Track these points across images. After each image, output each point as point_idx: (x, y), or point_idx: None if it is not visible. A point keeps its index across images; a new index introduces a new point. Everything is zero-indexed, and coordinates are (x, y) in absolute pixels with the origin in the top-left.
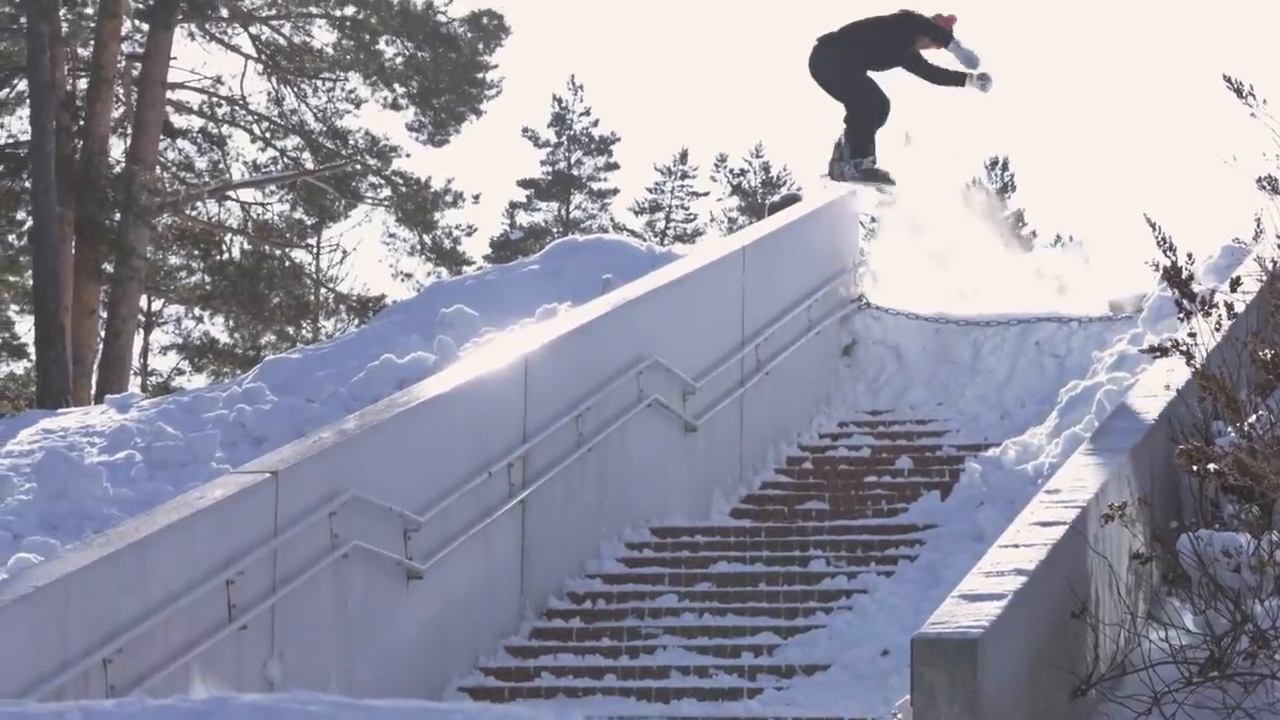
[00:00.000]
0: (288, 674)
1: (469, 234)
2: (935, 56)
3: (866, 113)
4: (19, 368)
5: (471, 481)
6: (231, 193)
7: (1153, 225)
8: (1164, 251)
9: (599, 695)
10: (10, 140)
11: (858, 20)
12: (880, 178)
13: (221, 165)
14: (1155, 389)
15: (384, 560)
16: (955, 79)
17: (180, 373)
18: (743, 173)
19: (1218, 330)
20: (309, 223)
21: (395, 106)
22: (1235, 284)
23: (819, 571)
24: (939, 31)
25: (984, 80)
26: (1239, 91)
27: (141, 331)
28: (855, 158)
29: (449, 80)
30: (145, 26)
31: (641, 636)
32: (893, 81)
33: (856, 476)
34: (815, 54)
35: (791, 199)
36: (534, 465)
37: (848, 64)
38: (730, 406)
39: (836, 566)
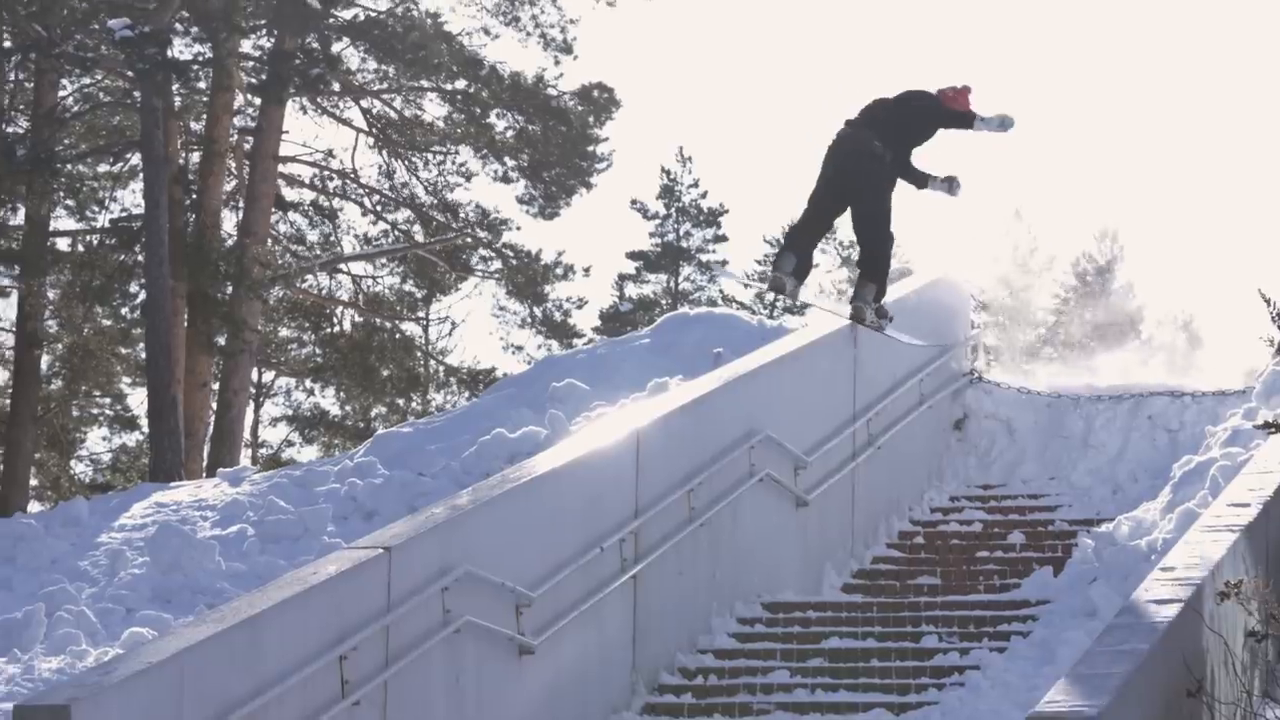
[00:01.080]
0: None
1: (579, 306)
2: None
3: (887, 250)
4: (130, 440)
5: (583, 557)
6: (342, 265)
7: (1267, 300)
8: (1279, 325)
9: None
10: (124, 214)
11: (881, 106)
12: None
13: (332, 238)
14: (1270, 464)
15: (496, 636)
16: (920, 180)
17: (290, 444)
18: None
19: None
20: (419, 295)
21: (506, 179)
22: None
23: (931, 647)
24: (963, 118)
25: (951, 184)
26: None
27: (252, 403)
28: (879, 306)
29: (559, 153)
30: (257, 100)
31: (754, 712)
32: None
33: (968, 551)
34: (851, 142)
35: (903, 273)
36: (646, 540)
37: (882, 175)
38: (842, 481)
39: (949, 642)
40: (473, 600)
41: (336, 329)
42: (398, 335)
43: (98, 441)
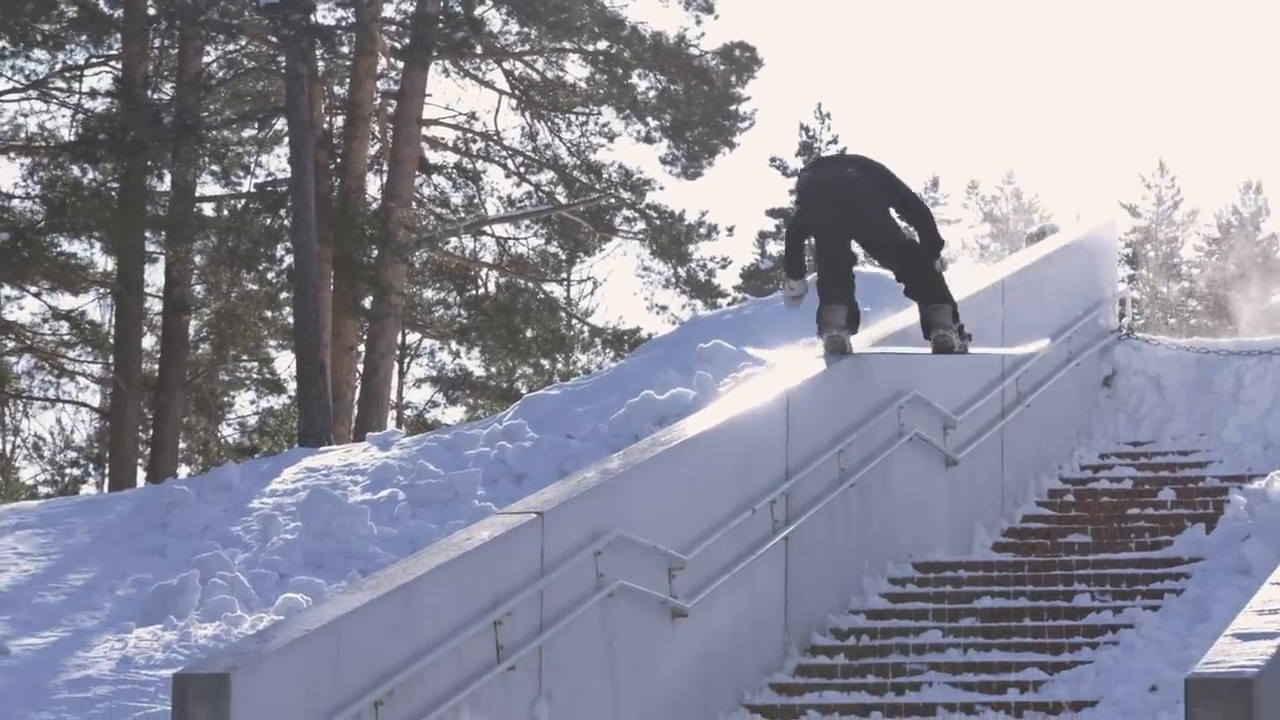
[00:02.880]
0: (555, 714)
1: (723, 266)
2: None
3: (928, 259)
4: (277, 403)
5: (735, 519)
6: (486, 227)
7: None
8: None
9: None
10: (269, 178)
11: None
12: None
13: (476, 200)
14: None
15: (649, 599)
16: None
17: (434, 405)
18: (994, 199)
19: None
20: (562, 256)
21: (648, 140)
22: None
23: (1084, 606)
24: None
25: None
26: None
27: (397, 366)
28: (960, 326)
29: (702, 113)
30: (400, 64)
31: (906, 673)
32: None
33: (1119, 509)
34: (832, 180)
35: (1049, 230)
36: (796, 501)
37: (872, 194)
38: (991, 439)
39: (1101, 601)
40: (625, 564)
41: (480, 291)
42: (541, 296)
43: (245, 405)
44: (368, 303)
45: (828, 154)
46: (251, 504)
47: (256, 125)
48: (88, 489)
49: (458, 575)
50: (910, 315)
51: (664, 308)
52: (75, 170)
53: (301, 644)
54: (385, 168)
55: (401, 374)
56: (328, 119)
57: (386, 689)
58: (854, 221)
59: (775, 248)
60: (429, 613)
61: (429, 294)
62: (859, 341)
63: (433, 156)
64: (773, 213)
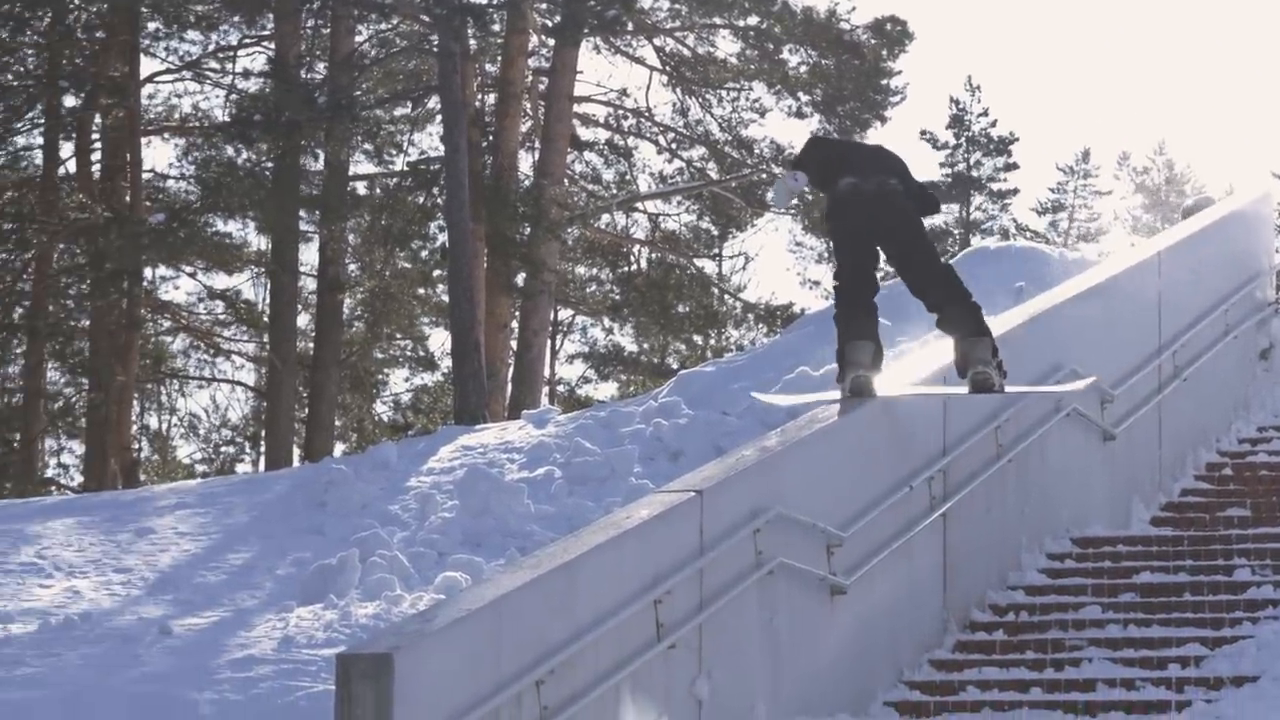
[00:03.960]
0: (715, 692)
1: None
2: None
3: (965, 288)
4: (431, 380)
5: (893, 495)
6: (638, 204)
7: None
8: None
9: (1025, 709)
10: (422, 156)
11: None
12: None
13: (628, 177)
14: None
15: (808, 577)
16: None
17: (587, 381)
18: (1145, 170)
19: None
20: (714, 232)
21: (800, 114)
22: None
23: (1244, 580)
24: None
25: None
26: None
27: (549, 341)
28: (999, 361)
29: (853, 87)
30: (552, 42)
31: (1066, 649)
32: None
33: (1278, 482)
34: (873, 189)
35: (1204, 203)
36: (954, 477)
37: (911, 210)
38: (1148, 413)
39: (1262, 575)
40: (784, 542)
41: (633, 267)
42: (693, 272)
43: (399, 383)
44: (521, 280)
45: (843, 141)
46: (409, 482)
47: (409, 104)
48: (243, 467)
49: (617, 554)
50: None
51: (816, 283)
52: (230, 150)
53: (463, 623)
54: (537, 145)
55: (554, 350)
56: (480, 97)
57: (547, 668)
58: (895, 240)
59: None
60: (589, 592)
61: (581, 270)
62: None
63: (584, 133)
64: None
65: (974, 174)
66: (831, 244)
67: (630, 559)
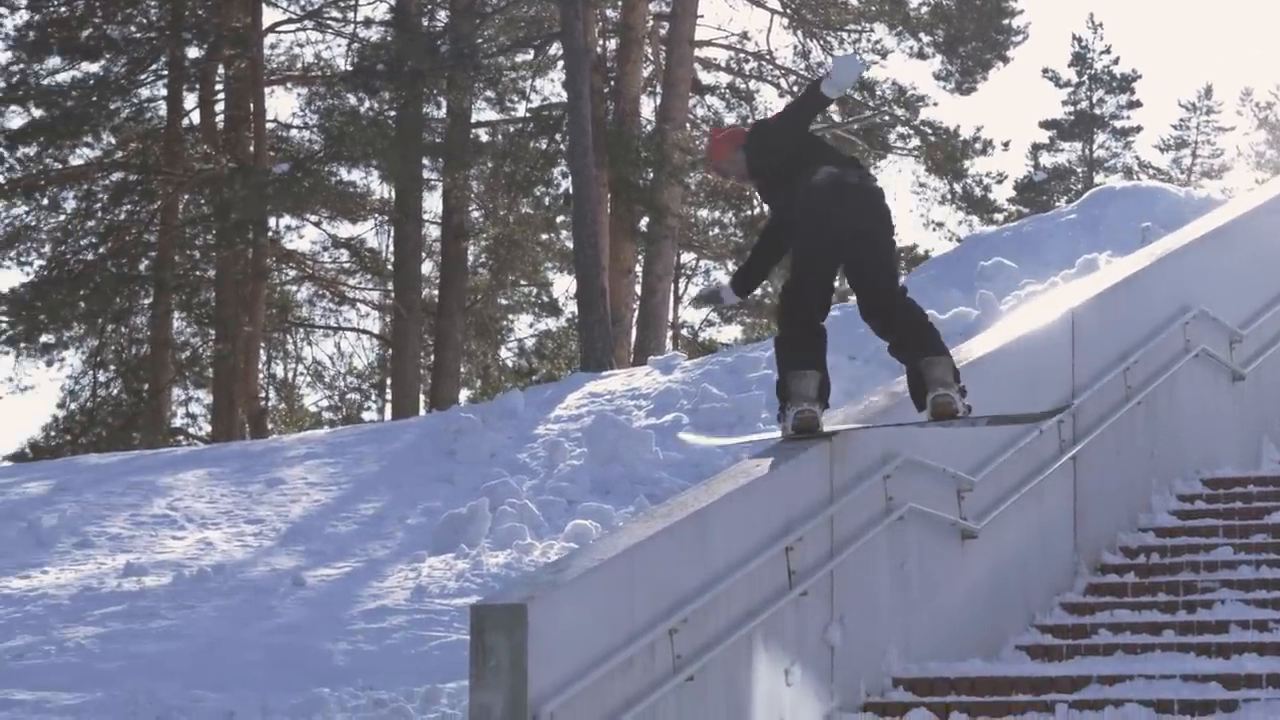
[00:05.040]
0: (847, 638)
1: (998, 181)
2: None
3: (919, 307)
4: (555, 326)
5: (1022, 439)
6: None
7: None
8: None
9: (1157, 651)
10: (544, 103)
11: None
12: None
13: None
14: None
15: (938, 521)
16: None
17: (710, 325)
18: (1269, 106)
19: None
20: None
21: (921, 56)
22: None
23: None
24: (805, 101)
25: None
26: None
27: (672, 284)
28: (962, 386)
29: (975, 27)
30: None
31: (1198, 590)
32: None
33: None
34: (850, 189)
35: None
36: (1083, 420)
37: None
38: (1277, 353)
39: None
40: (914, 487)
41: (755, 210)
42: None
43: (524, 328)
44: (644, 225)
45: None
46: (537, 430)
47: (531, 51)
48: (369, 415)
49: (748, 502)
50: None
51: (940, 224)
52: (353, 99)
53: (596, 573)
54: (659, 90)
55: (676, 294)
56: (601, 43)
57: (680, 617)
58: (870, 247)
59: (1049, 159)
60: (721, 540)
61: (704, 214)
62: (832, 417)
63: (705, 77)
64: (1046, 124)
65: (1096, 112)
66: (794, 249)
67: (761, 507)
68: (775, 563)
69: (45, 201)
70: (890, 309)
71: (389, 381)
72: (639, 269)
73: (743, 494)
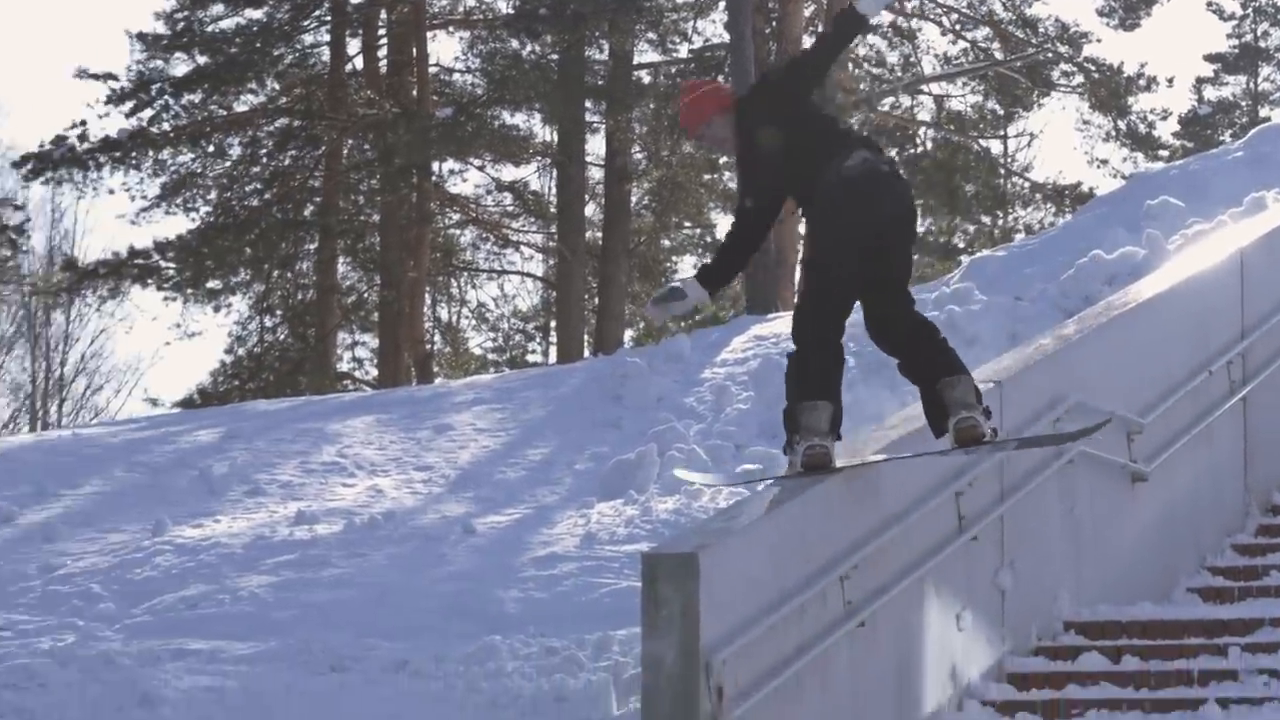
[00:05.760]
0: (1018, 583)
1: (1163, 117)
2: None
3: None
4: None
5: (1191, 381)
6: (923, 86)
7: None
8: None
9: None
10: (705, 44)
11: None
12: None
13: (912, 59)
14: None
15: (1108, 465)
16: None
17: None
18: None
19: None
20: (1000, 113)
21: None
22: None
23: None
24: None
25: None
26: None
27: None
28: (987, 407)
29: None
30: None
31: None
32: None
33: None
34: (888, 180)
35: None
36: (1253, 361)
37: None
38: None
39: None
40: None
41: (919, 149)
42: (979, 152)
43: (687, 270)
44: None
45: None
46: (703, 374)
47: None
48: (534, 358)
49: (919, 447)
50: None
51: (1104, 161)
52: (515, 43)
53: (767, 520)
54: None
55: None
56: None
57: (851, 563)
58: (901, 248)
59: (1213, 93)
60: (893, 485)
61: None
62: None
63: None
64: (1211, 58)
65: (1261, 45)
66: (819, 251)
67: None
68: (945, 508)
69: (211, 148)
70: (903, 322)
71: (553, 324)
72: (801, 210)
73: (915, 439)
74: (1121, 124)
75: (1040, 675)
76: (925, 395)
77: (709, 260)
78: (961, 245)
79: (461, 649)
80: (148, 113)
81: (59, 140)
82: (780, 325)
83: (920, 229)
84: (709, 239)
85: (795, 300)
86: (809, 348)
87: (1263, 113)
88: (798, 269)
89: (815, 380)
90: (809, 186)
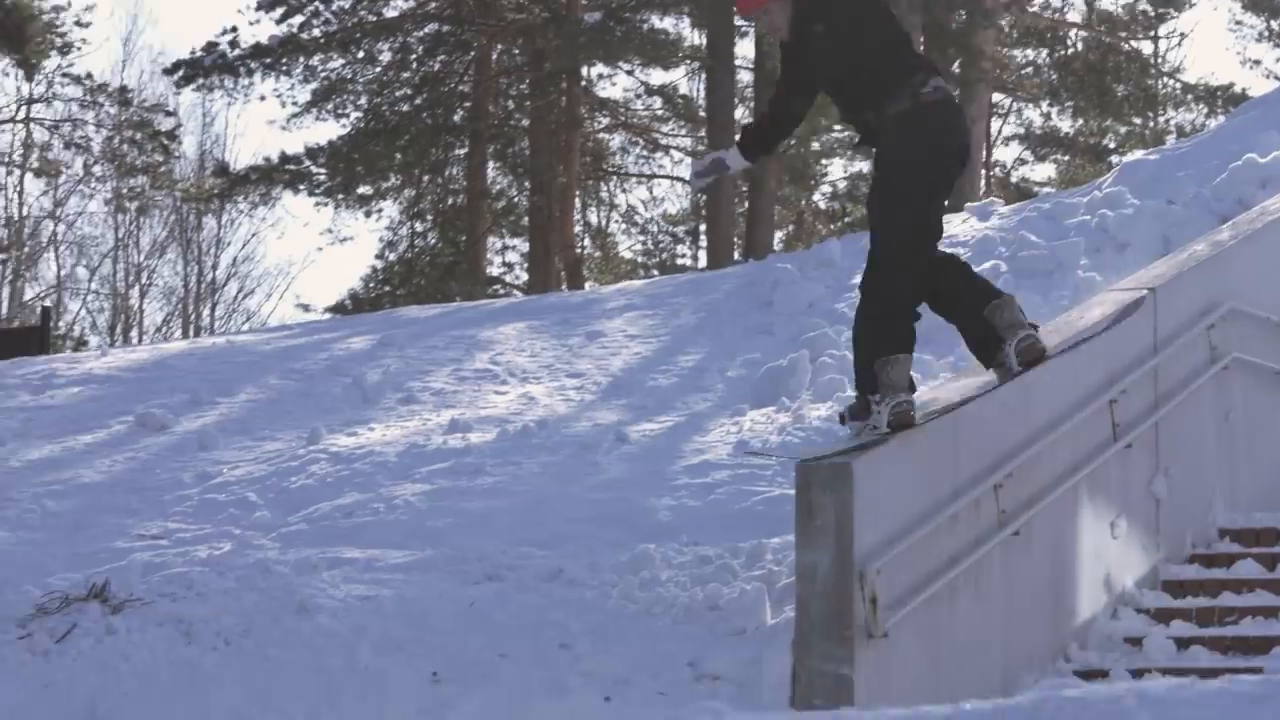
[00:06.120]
0: (1172, 490)
1: None
2: None
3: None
4: (868, 168)
5: None
6: None
7: None
8: None
9: None
10: None
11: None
12: None
13: None
14: None
15: (1264, 371)
16: None
17: (1023, 163)
18: None
19: None
20: (1151, 13)
21: None
22: None
23: None
24: None
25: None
26: None
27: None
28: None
29: None
30: None
31: None
32: None
33: None
34: (959, 109)
35: None
36: None
37: None
38: None
39: None
40: (1238, 336)
41: (1070, 50)
42: (1130, 53)
43: (837, 172)
44: (957, 68)
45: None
46: (853, 279)
47: None
48: (682, 262)
49: (1071, 355)
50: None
51: (1257, 62)
52: None
53: (920, 431)
54: None
55: (988, 133)
56: None
57: (1005, 472)
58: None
59: None
60: (1044, 394)
61: (1017, 55)
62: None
63: None
64: None
65: None
66: (908, 193)
67: (1084, 360)
68: (1099, 416)
69: (361, 54)
70: (935, 255)
71: (703, 229)
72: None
73: (1066, 348)
74: (1275, 24)
75: (1195, 582)
76: (968, 326)
77: (748, 126)
78: (1112, 146)
79: (615, 558)
80: (298, 19)
81: (210, 47)
82: None
83: (1070, 130)
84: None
85: (877, 246)
86: (896, 300)
87: None
88: None
89: (899, 332)
90: (867, 104)
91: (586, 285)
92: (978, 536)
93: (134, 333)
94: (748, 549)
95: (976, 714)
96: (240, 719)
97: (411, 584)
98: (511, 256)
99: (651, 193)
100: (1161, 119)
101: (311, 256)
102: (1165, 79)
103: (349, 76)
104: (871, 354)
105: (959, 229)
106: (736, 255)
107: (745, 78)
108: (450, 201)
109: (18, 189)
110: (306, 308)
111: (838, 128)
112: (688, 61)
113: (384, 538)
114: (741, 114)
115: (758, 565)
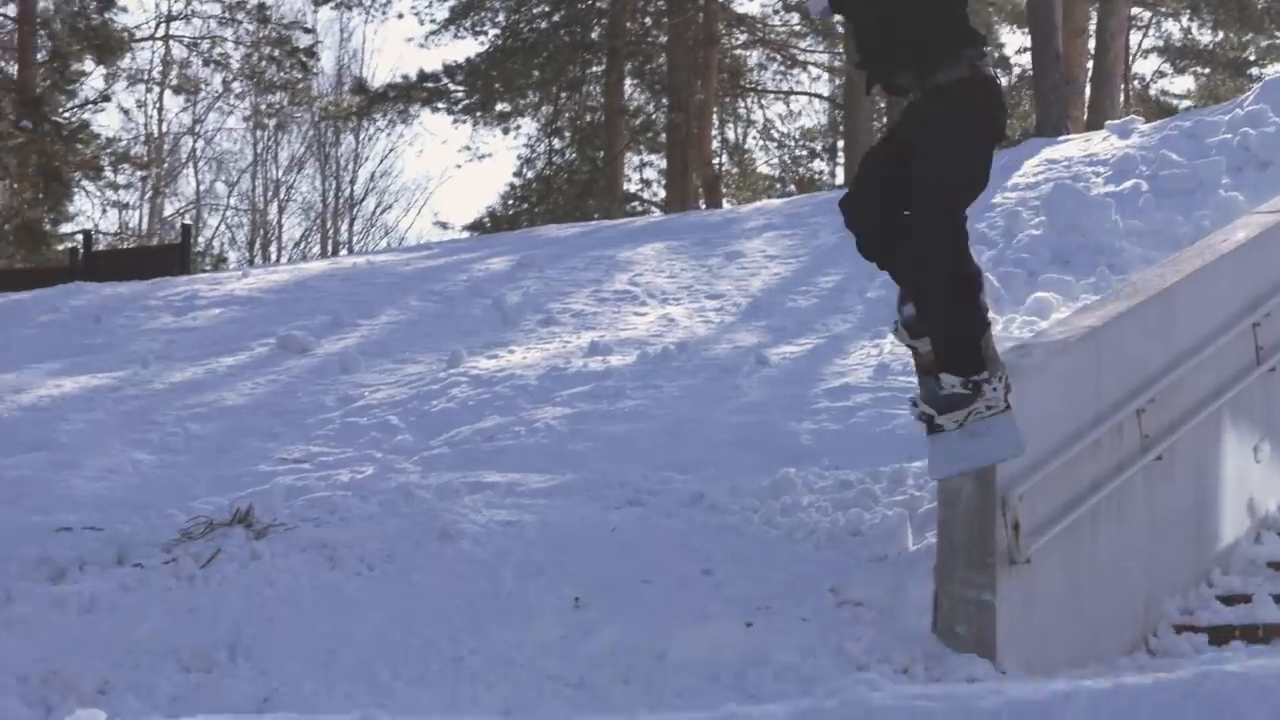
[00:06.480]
0: None
1: None
2: None
3: None
4: (1005, 83)
5: None
6: None
7: None
8: None
9: None
10: None
11: None
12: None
13: None
14: None
15: None
16: None
17: (1161, 75)
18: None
19: None
20: None
21: None
22: None
23: None
24: None
25: None
26: None
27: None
28: None
29: None
30: None
31: None
32: None
33: None
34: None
35: None
36: None
37: None
38: None
39: None
40: None
41: None
42: None
43: None
44: None
45: None
46: (993, 199)
47: None
48: (821, 178)
49: (1213, 279)
50: None
51: None
52: None
53: (1061, 356)
54: None
55: (1127, 46)
56: None
57: (1147, 397)
58: None
59: None
60: (1186, 318)
61: None
62: None
63: None
64: None
65: None
66: (978, 172)
67: (1226, 283)
68: (1242, 340)
69: None
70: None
71: (840, 145)
72: (1092, 27)
73: (1208, 271)
74: None
75: None
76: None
77: None
78: (1253, 59)
79: (756, 482)
80: None
81: None
82: (1070, 149)
83: (1210, 44)
84: (996, 54)
85: (940, 224)
86: (977, 273)
87: None
88: (1086, 88)
89: (983, 305)
90: (911, 62)
91: (724, 202)
92: (1120, 462)
93: (273, 248)
94: (889, 473)
95: (1136, 687)
96: (384, 644)
97: (553, 509)
98: (649, 173)
99: (789, 108)
100: None
101: (449, 173)
102: None
103: None
104: (973, 335)
105: (1099, 147)
106: None
107: None
108: (588, 118)
109: (157, 106)
110: (445, 225)
111: None
112: None
113: (525, 462)
114: None
115: (899, 490)
